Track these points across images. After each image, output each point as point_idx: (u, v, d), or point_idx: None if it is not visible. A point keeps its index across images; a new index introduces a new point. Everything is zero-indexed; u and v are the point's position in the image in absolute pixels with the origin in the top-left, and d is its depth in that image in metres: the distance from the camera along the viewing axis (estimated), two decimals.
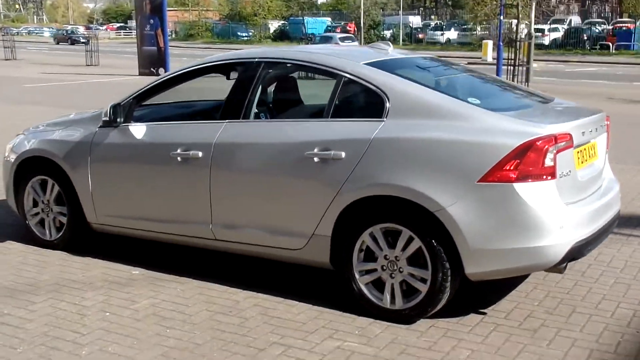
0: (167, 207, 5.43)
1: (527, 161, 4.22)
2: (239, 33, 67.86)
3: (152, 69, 27.86)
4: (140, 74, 28.02)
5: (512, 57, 22.37)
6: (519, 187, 4.22)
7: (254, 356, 4.14)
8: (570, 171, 4.46)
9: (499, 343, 4.29)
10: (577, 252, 4.39)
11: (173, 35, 68.64)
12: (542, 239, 4.23)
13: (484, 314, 4.75)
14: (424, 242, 4.43)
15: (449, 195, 4.30)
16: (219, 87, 6.00)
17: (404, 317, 4.57)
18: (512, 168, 4.22)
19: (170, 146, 5.32)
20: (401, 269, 4.55)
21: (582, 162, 4.65)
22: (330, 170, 4.66)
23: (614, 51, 45.67)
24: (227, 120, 5.20)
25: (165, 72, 27.85)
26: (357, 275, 4.70)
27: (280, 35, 66.19)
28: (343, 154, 4.62)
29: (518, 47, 23.48)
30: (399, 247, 4.53)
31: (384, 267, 4.60)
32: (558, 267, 4.37)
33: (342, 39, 44.75)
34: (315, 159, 4.72)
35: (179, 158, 5.27)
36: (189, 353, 4.19)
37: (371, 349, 4.22)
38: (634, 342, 4.31)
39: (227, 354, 4.17)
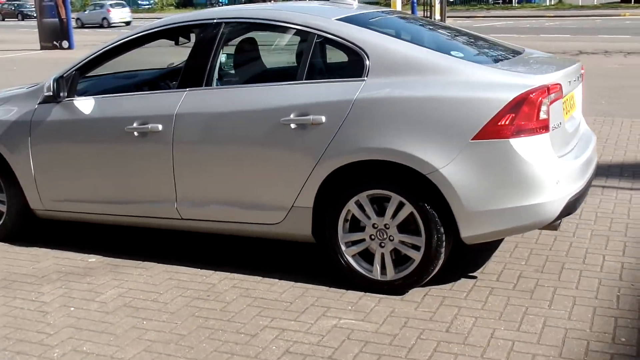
0: (124, 187, 4.97)
1: (522, 115, 4.00)
2: (139, 1, 65.55)
3: (54, 43, 26.51)
4: (42, 48, 26.60)
5: (428, 15, 22.42)
6: (515, 142, 4.01)
7: (247, 343, 3.81)
8: (560, 123, 4.28)
9: (500, 308, 4.11)
10: (571, 207, 4.23)
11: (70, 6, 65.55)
12: (539, 196, 4.05)
13: (474, 277, 4.56)
14: (416, 207, 4.17)
15: (442, 156, 4.05)
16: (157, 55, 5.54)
17: (396, 288, 4.33)
18: (507, 123, 4.00)
19: (124, 120, 4.85)
20: (391, 237, 4.29)
21: (566, 113, 4.48)
22: (309, 137, 4.33)
23: (516, 4, 46.61)
24: (187, 89, 4.76)
25: (69, 45, 26.58)
26: (343, 247, 4.41)
27: (184, 2, 64.37)
28: (323, 119, 4.29)
29: (432, 4, 23.56)
30: (389, 215, 4.26)
31: (373, 237, 4.33)
32: (553, 224, 4.21)
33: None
34: (292, 126, 4.37)
35: (135, 133, 4.82)
36: (174, 346, 3.81)
37: (371, 325, 3.95)
38: (633, 295, 4.21)
39: (218, 343, 3.82)
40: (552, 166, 4.10)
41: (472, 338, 3.76)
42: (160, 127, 4.73)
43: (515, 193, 4.04)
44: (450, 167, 4.04)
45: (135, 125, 4.81)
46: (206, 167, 4.66)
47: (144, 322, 4.11)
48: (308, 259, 4.98)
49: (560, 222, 4.26)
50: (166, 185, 4.81)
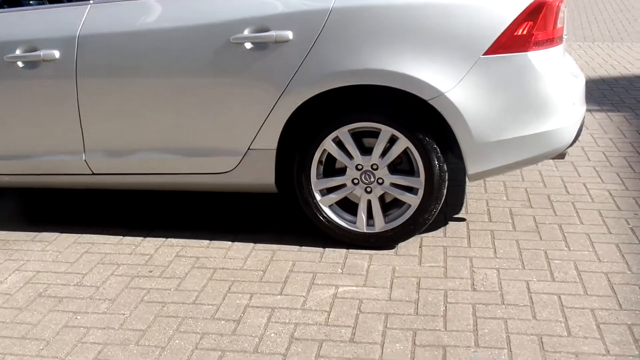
0: (10, 138, 3.74)
1: (540, 23, 3.29)
2: None
3: None
4: None
5: None
6: (534, 56, 3.30)
7: (235, 333, 2.88)
8: (566, 34, 3.63)
9: (515, 254, 3.46)
10: (580, 132, 3.64)
11: None
12: (558, 120, 3.40)
13: (463, 219, 3.89)
14: (413, 141, 3.38)
15: (448, 77, 3.27)
16: None
17: (387, 241, 3.55)
18: (524, 33, 3.27)
19: (2, 47, 3.60)
20: (381, 180, 3.48)
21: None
22: (271, 59, 3.37)
23: None
24: (92, 0, 3.58)
25: None
26: (317, 196, 3.54)
27: None
28: (290, 34, 3.34)
29: None
30: (377, 152, 3.43)
31: (356, 181, 3.50)
32: (563, 152, 3.59)
33: None
34: (247, 46, 3.38)
35: (19, 63, 3.59)
36: (137, 348, 2.81)
37: (379, 291, 3.16)
38: None
39: (194, 337, 2.87)
40: (569, 84, 3.46)
41: (510, 296, 3.09)
42: (56, 54, 3.55)
43: (532, 118, 3.36)
44: (458, 90, 3.27)
45: (18, 52, 3.58)
46: (125, 106, 3.57)
47: (78, 318, 3.04)
48: (254, 211, 4.06)
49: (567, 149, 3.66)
50: (69, 132, 3.65)
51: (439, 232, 3.72)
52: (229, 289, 3.22)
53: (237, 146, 3.53)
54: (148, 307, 3.09)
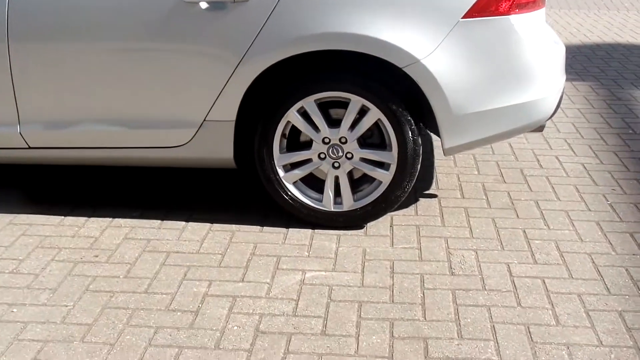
0: None
1: None
2: None
3: None
4: None
5: None
6: (516, 20, 3.06)
7: (193, 326, 2.59)
8: None
9: (493, 234, 3.24)
10: (560, 103, 3.41)
11: None
12: (540, 89, 3.18)
13: (434, 195, 3.64)
14: (385, 112, 3.10)
15: (424, 42, 2.99)
16: None
17: (355, 220, 3.28)
18: None
19: None
20: (349, 155, 3.20)
21: None
22: (229, 21, 3.04)
23: None
24: None
25: None
26: (280, 172, 3.25)
27: None
28: None
29: None
30: (346, 125, 3.15)
31: (323, 155, 3.21)
32: (542, 125, 3.37)
33: None
34: (202, 5, 3.05)
35: None
36: (81, 346, 2.49)
37: (350, 277, 2.90)
38: (626, 203, 3.55)
39: (147, 331, 2.56)
40: (551, 52, 3.22)
41: (491, 280, 2.86)
42: None
43: (514, 87, 3.12)
44: (435, 57, 3.00)
45: None
46: (64, 72, 3.20)
47: (14, 310, 2.70)
48: (211, 188, 3.74)
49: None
50: (1, 101, 3.27)
51: (410, 210, 3.47)
52: (185, 275, 2.92)
53: (192, 117, 3.20)
54: (94, 298, 2.76)
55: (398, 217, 3.40)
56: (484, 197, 3.62)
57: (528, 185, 3.77)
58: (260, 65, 3.06)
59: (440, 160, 4.10)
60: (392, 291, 2.78)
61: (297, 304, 2.70)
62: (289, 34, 3.01)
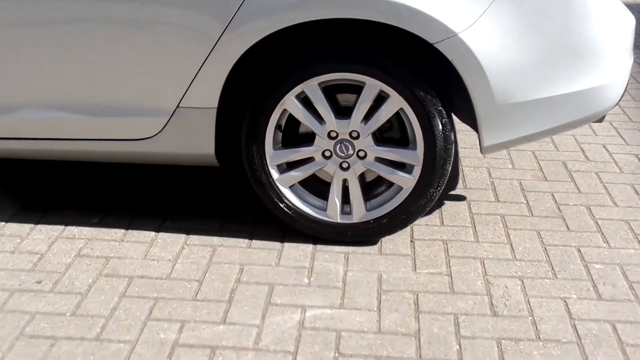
0: None
1: None
2: None
3: None
4: None
5: None
6: None
7: None
8: None
9: (540, 254, 2.58)
10: (625, 90, 2.72)
11: None
12: (608, 71, 2.49)
13: (463, 198, 2.98)
14: (410, 100, 2.41)
15: (464, 10, 2.29)
16: None
17: (368, 234, 2.62)
18: None
19: None
20: (362, 153, 2.52)
21: None
22: None
23: None
24: None
25: None
26: (274, 174, 2.57)
27: None
28: None
29: None
30: (359, 115, 2.46)
31: (329, 153, 2.53)
32: (604, 115, 2.68)
33: None
34: None
35: None
36: None
37: (364, 316, 2.24)
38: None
39: None
40: (621, 24, 2.52)
41: (546, 325, 2.20)
42: None
43: (576, 69, 2.43)
44: (477, 29, 2.30)
45: None
46: (4, 48, 2.48)
47: None
48: (188, 187, 3.06)
49: None
50: None
51: (433, 218, 2.81)
52: (150, 312, 2.25)
53: (162, 103, 2.50)
54: (29, 348, 2.10)
55: (419, 227, 2.74)
56: (523, 201, 2.95)
57: (575, 184, 3.10)
58: (250, 37, 2.35)
59: (465, 150, 3.42)
60: (419, 340, 2.13)
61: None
62: (280, 2, 2.30)
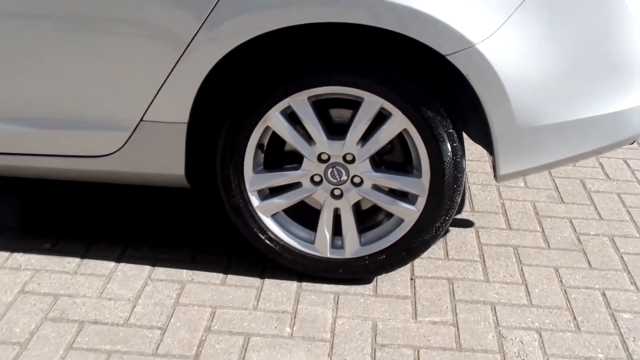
0: None
1: None
2: None
3: None
4: None
5: None
6: None
7: None
8: None
9: (560, 299, 2.23)
10: None
11: None
12: None
13: (470, 224, 2.62)
14: (416, 120, 2.04)
15: (483, 17, 1.91)
16: None
17: (361, 272, 2.26)
18: None
19: None
20: (358, 179, 2.14)
21: None
22: None
23: None
24: None
25: None
26: (254, 201, 2.20)
27: None
28: None
29: None
30: (355, 135, 2.09)
31: (318, 178, 2.16)
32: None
33: None
34: None
35: None
36: None
37: None
38: None
39: None
40: None
41: None
42: None
43: (612, 87, 2.07)
44: (498, 40, 1.92)
45: None
46: None
47: None
48: (156, 206, 2.69)
49: None
50: None
51: (437, 250, 2.45)
52: None
53: (122, 116, 2.12)
54: None
55: (421, 262, 2.38)
56: (538, 229, 2.60)
57: (595, 207, 2.75)
58: (228, 41, 1.97)
59: (472, 163, 3.06)
60: None
61: None
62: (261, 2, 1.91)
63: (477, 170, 3.02)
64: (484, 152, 2.98)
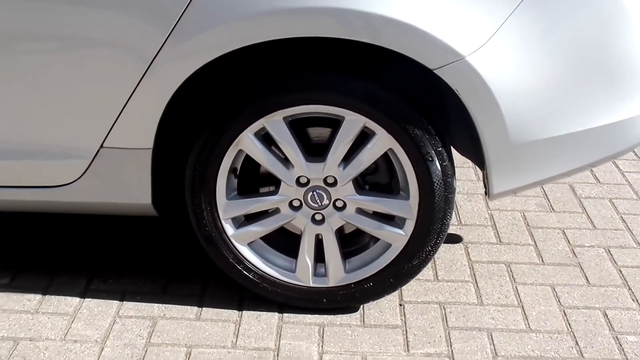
0: None
1: None
2: None
3: None
4: None
5: None
6: None
7: None
8: None
9: (560, 322, 2.09)
10: None
11: None
12: None
13: (459, 239, 2.47)
14: (402, 139, 1.88)
15: (473, 27, 1.76)
16: None
17: (346, 301, 2.10)
18: None
19: None
20: (340, 203, 1.98)
21: None
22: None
23: None
24: None
25: None
26: (229, 229, 2.03)
27: None
28: None
29: None
30: (336, 156, 1.92)
31: (298, 203, 1.99)
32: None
33: None
34: None
35: None
36: None
37: None
38: None
39: None
40: None
41: None
42: None
43: (613, 95, 1.93)
44: (490, 51, 1.77)
45: None
46: None
47: None
48: (125, 230, 2.50)
49: None
50: None
51: (425, 270, 2.28)
52: None
53: (80, 142, 1.94)
54: None
55: (409, 284, 2.22)
56: (530, 242, 2.46)
57: (587, 215, 2.62)
58: (195, 59, 1.79)
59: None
60: None
61: None
62: (245, 6, 1.73)
63: (461, 177, 2.87)
64: (468, 166, 2.83)
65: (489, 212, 2.64)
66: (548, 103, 1.87)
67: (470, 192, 2.77)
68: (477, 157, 1.97)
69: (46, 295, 2.16)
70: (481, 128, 1.83)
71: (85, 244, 2.42)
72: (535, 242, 2.46)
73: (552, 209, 2.67)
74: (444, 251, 2.39)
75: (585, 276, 2.28)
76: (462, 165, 2.95)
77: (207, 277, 2.25)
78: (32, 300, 2.14)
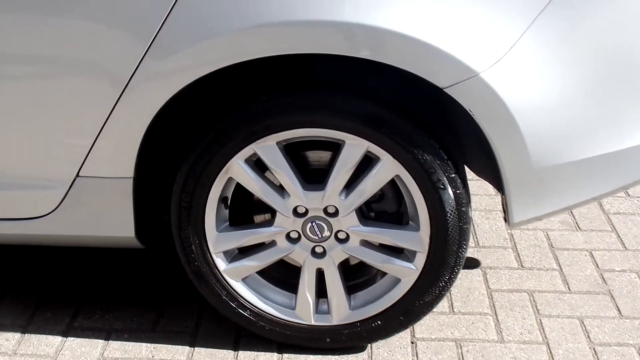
0: None
1: None
2: None
3: None
4: None
5: None
6: None
7: None
8: None
9: (581, 353, 1.87)
10: None
11: None
12: None
13: (476, 264, 2.27)
14: (410, 165, 1.67)
15: (488, 39, 1.55)
16: None
17: (352, 340, 1.90)
18: None
19: None
20: (343, 235, 1.78)
21: None
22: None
23: None
24: None
25: None
26: (220, 264, 1.84)
27: None
28: None
29: None
30: (337, 185, 1.72)
31: (295, 235, 1.79)
32: None
33: None
34: None
35: None
36: None
37: None
38: None
39: None
40: None
41: None
42: None
43: (637, 114, 1.71)
44: (507, 66, 1.56)
45: None
46: None
47: None
48: (113, 261, 2.32)
49: None
50: None
51: (440, 302, 2.08)
52: None
53: (54, 172, 1.76)
54: None
55: (419, 330, 2.02)
56: (555, 266, 2.25)
57: (617, 234, 2.40)
58: (177, 78, 1.60)
59: (470, 183, 2.70)
60: None
61: None
62: (232, 19, 1.54)
63: (479, 192, 2.66)
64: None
65: (509, 231, 2.43)
66: (573, 122, 1.65)
67: (488, 209, 2.56)
68: (496, 181, 1.77)
69: (25, 334, 1.99)
70: (499, 151, 1.62)
71: (71, 272, 2.24)
72: (560, 266, 2.25)
73: (578, 227, 2.45)
74: (461, 278, 2.19)
75: (617, 306, 2.07)
76: (479, 178, 2.73)
77: (201, 308, 2.06)
78: (9, 340, 1.97)
